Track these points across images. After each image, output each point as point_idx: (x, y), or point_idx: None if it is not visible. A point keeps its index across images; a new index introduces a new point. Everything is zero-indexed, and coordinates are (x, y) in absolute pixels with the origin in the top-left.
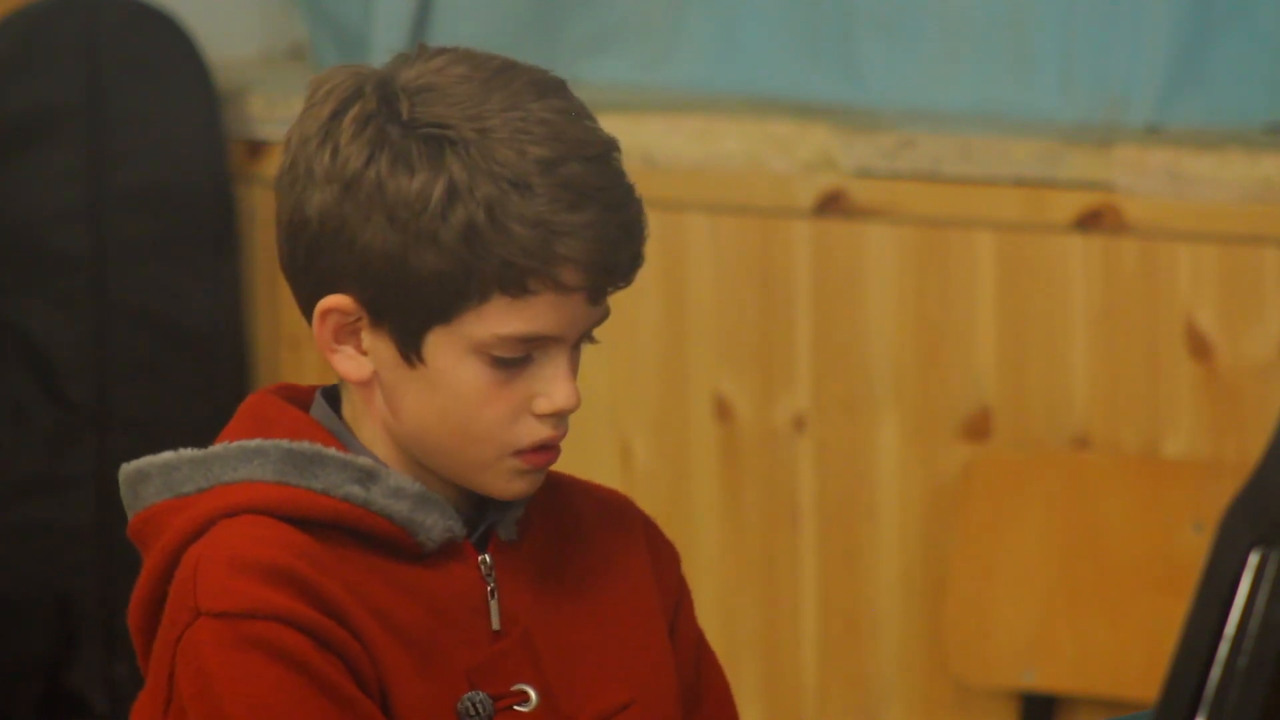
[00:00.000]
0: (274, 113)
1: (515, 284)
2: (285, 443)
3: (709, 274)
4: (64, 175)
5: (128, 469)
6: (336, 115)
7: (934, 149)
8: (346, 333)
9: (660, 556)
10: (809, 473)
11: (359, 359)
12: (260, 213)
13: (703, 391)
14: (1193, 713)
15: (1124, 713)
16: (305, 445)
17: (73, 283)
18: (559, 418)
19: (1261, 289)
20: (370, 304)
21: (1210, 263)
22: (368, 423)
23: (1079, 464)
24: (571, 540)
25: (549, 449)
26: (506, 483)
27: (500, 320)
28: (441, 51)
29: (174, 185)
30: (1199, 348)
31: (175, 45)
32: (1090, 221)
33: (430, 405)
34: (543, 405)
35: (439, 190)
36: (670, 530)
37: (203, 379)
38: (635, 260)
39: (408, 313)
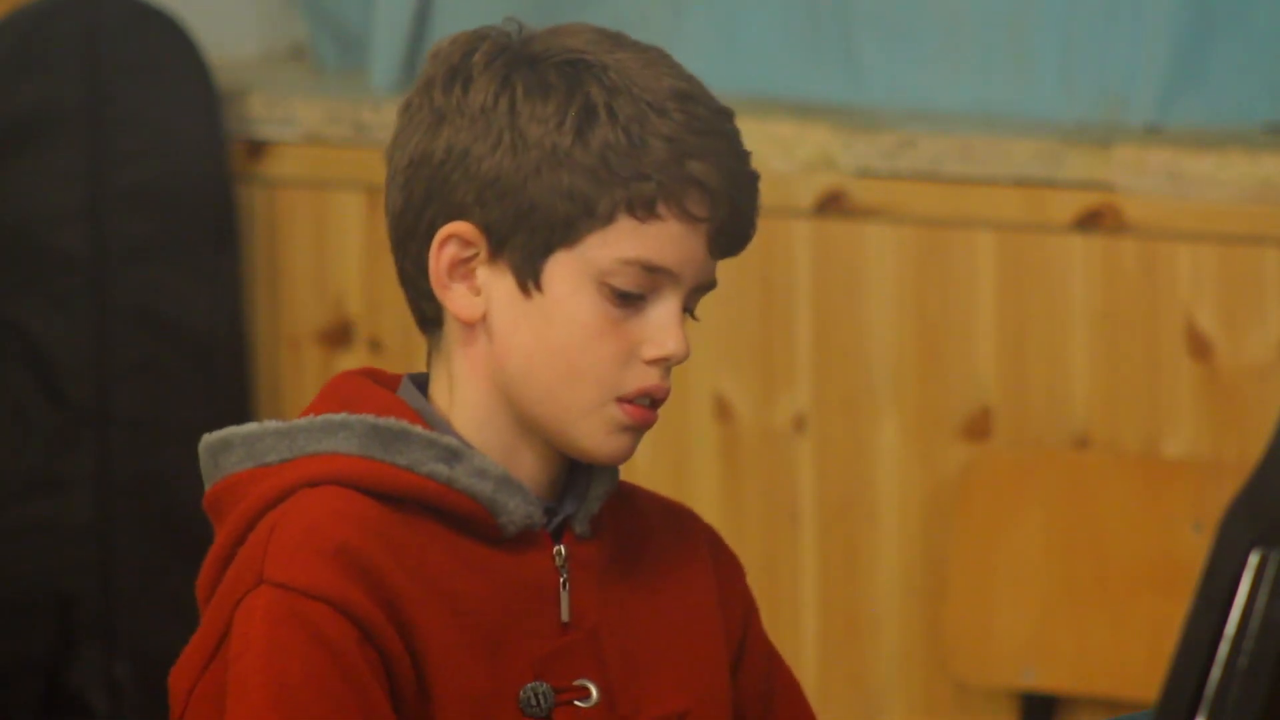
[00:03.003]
0: (274, 113)
1: (644, 205)
2: (371, 418)
3: None
4: (64, 175)
5: (210, 439)
6: (467, 55)
7: (934, 149)
8: (460, 271)
9: (725, 570)
10: (809, 473)
11: (471, 298)
12: (260, 212)
13: (703, 391)
14: (1193, 713)
15: (1124, 713)
16: (392, 421)
17: (73, 283)
18: (666, 367)
19: (1261, 289)
20: (492, 229)
21: (1210, 263)
22: (465, 386)
23: (1079, 464)
24: (639, 546)
25: (651, 406)
26: (605, 435)
27: (625, 244)
28: None
29: (174, 185)
30: (1199, 348)
31: (175, 45)
32: (1090, 221)
33: (542, 340)
34: (651, 350)
35: (576, 108)
36: None
37: (203, 379)
38: (753, 218)
39: (532, 234)
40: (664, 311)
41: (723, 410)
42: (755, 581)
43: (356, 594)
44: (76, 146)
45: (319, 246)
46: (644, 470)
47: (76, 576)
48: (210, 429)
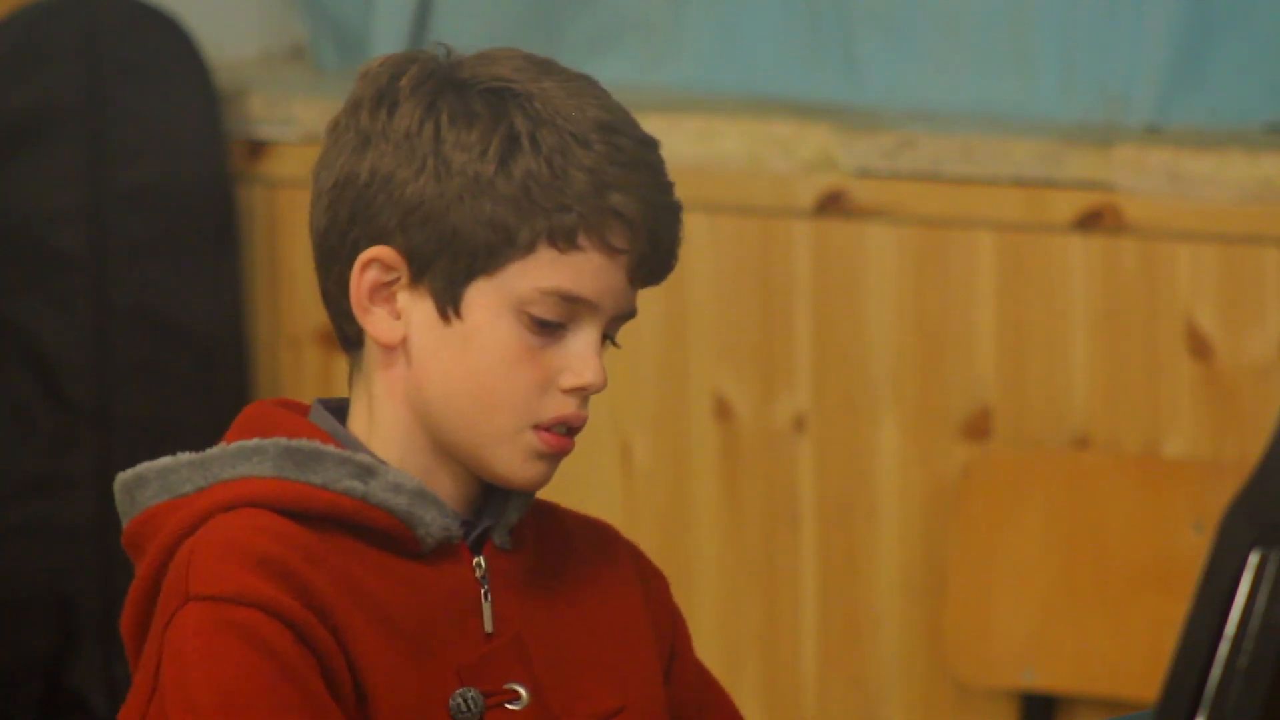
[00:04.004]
0: (274, 113)
1: (565, 237)
2: (284, 440)
3: (709, 274)
4: (64, 175)
5: (124, 477)
6: (394, 78)
7: (934, 149)
8: (381, 295)
9: (650, 584)
10: (809, 473)
11: (391, 322)
12: (260, 212)
13: (703, 391)
14: (1193, 713)
15: (1124, 713)
16: (304, 442)
17: (73, 283)
18: (583, 397)
19: (1261, 289)
20: (414, 254)
21: (1210, 263)
22: (383, 408)
23: (1079, 464)
24: (561, 558)
25: (567, 434)
26: (521, 462)
27: (544, 274)
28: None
29: (174, 185)
30: (1199, 348)
31: (175, 45)
32: (1090, 221)
33: (460, 367)
34: (569, 379)
35: (499, 137)
36: (670, 531)
37: (203, 379)
38: (674, 249)
39: (453, 261)
40: (583, 341)
41: (723, 410)
42: (755, 581)
43: (285, 598)
44: (76, 146)
45: None
46: (643, 470)
47: (76, 576)
48: (210, 429)
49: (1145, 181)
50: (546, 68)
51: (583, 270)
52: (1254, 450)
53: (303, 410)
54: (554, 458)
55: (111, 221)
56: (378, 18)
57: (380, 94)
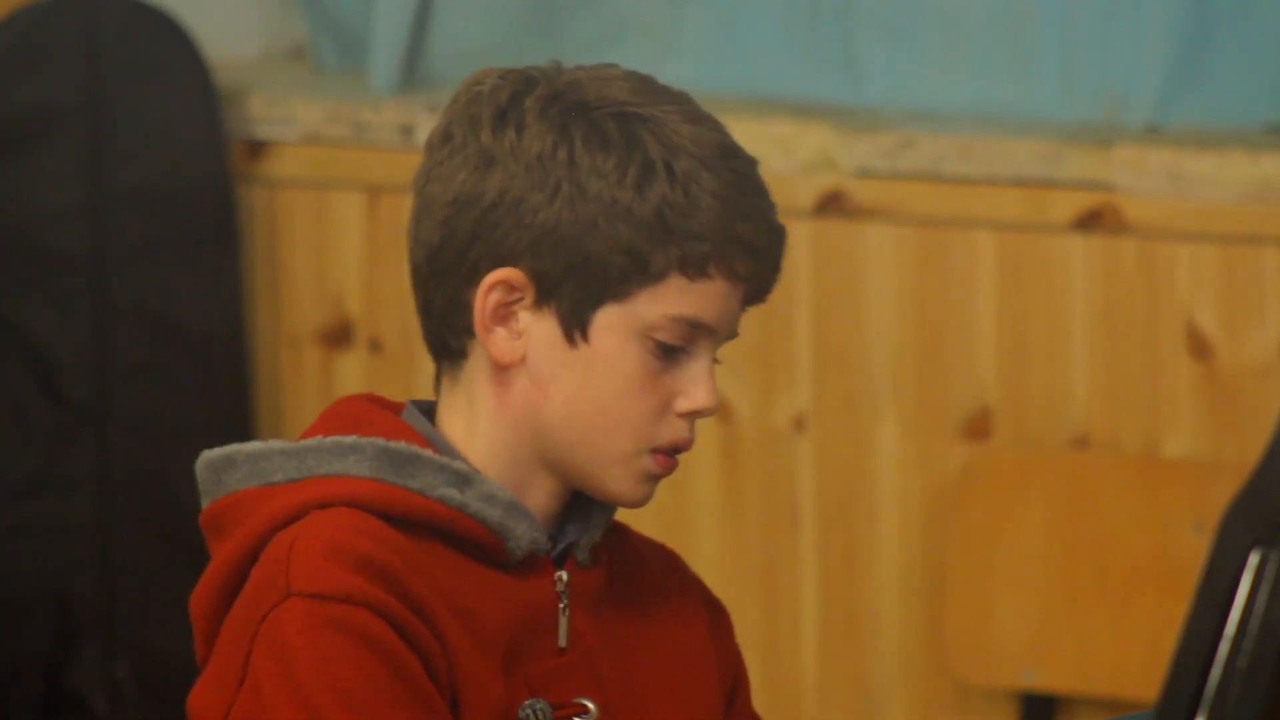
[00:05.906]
0: (274, 113)
1: (695, 265)
2: (382, 441)
3: None
4: (64, 175)
5: (211, 455)
6: (516, 98)
7: (934, 149)
8: (501, 314)
9: (716, 618)
10: (809, 473)
11: (511, 341)
12: (260, 212)
13: None
14: (1193, 713)
15: (1124, 713)
16: (403, 445)
17: (73, 283)
18: (694, 420)
19: (1261, 289)
20: (542, 278)
21: (1210, 263)
22: (488, 421)
23: (1079, 464)
24: (633, 577)
25: (677, 455)
26: (634, 484)
27: (674, 301)
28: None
29: (174, 185)
30: (1199, 348)
31: (175, 45)
32: (1090, 221)
33: (584, 390)
34: (684, 404)
35: (636, 164)
36: (670, 530)
37: (203, 379)
38: (780, 271)
39: (584, 287)
40: (699, 365)
41: (723, 410)
42: (755, 581)
43: (390, 599)
44: (76, 146)
45: (319, 246)
46: None
47: (76, 576)
48: (210, 429)
49: (1145, 181)
50: (655, 89)
51: (709, 298)
52: (1254, 450)
53: (394, 409)
54: (662, 478)
55: (111, 221)
56: (378, 18)
57: (502, 112)
